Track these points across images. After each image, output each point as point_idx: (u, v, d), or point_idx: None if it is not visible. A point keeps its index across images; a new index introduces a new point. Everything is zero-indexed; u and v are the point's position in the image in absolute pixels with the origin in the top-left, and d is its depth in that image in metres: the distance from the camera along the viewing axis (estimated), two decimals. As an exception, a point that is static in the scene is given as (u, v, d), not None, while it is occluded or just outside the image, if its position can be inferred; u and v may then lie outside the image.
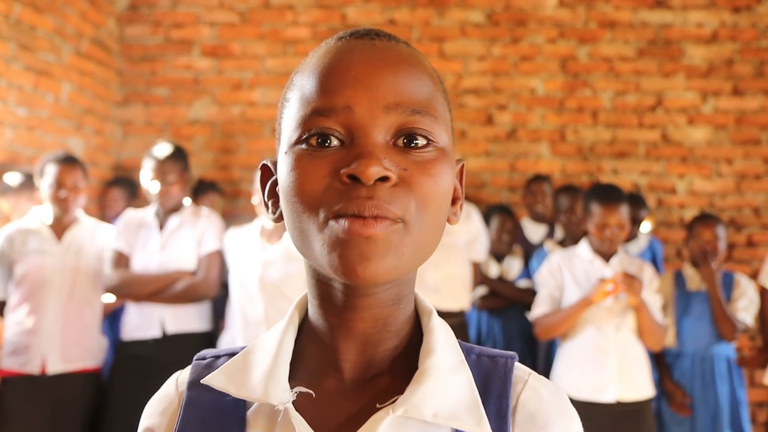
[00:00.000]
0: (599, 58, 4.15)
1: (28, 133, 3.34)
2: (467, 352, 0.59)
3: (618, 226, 2.39)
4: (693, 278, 2.84)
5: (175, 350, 2.55)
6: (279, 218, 0.58)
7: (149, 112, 4.26)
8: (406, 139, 0.53)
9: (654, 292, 2.45)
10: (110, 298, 2.74)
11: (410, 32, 4.19)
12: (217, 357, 0.62)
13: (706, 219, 2.89)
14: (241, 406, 0.57)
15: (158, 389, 0.64)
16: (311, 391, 0.55)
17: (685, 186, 4.11)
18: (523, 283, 3.20)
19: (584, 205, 2.47)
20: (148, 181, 2.64)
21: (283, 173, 0.54)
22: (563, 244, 3.15)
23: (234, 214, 4.11)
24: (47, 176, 2.56)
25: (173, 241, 2.65)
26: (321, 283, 0.57)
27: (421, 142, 0.53)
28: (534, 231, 3.59)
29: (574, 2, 4.16)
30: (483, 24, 4.19)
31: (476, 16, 4.19)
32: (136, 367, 2.54)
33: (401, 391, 0.53)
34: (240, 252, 2.65)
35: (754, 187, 4.08)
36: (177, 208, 2.70)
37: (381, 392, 0.55)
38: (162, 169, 2.61)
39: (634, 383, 2.36)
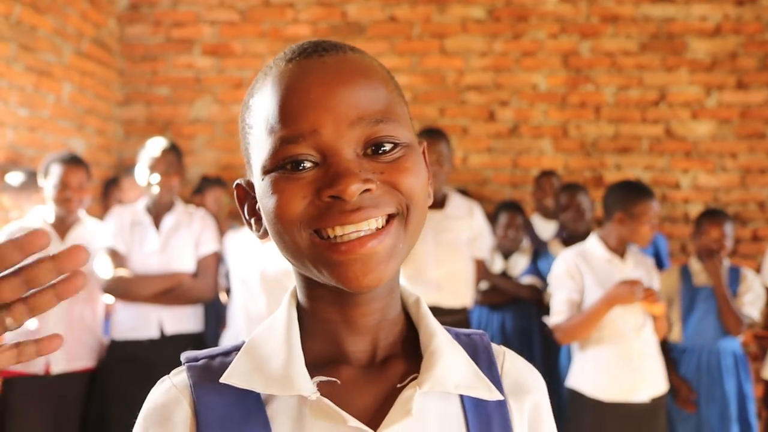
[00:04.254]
0: (601, 52, 4.13)
1: (29, 133, 3.34)
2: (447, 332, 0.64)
3: (656, 220, 2.38)
4: (699, 273, 2.82)
5: (172, 350, 2.53)
6: (264, 235, 0.60)
7: (151, 112, 4.25)
8: (374, 147, 0.55)
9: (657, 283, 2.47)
10: (111, 299, 2.73)
11: (411, 29, 4.18)
12: (211, 357, 0.61)
13: (714, 216, 2.84)
14: (260, 403, 0.57)
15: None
16: (336, 380, 0.57)
17: (689, 181, 4.09)
18: (526, 280, 3.19)
19: (617, 201, 2.40)
20: (146, 174, 2.63)
21: (262, 198, 0.56)
22: (569, 242, 3.12)
23: (237, 212, 4.12)
24: (52, 176, 2.55)
25: (172, 241, 2.63)
26: (317, 287, 0.59)
27: (388, 146, 0.55)
28: (544, 228, 3.57)
29: (575, -3, 4.14)
30: (484, 20, 4.17)
31: (477, 12, 4.17)
32: (134, 368, 2.52)
33: (413, 371, 0.58)
34: (240, 251, 2.64)
35: (758, 182, 4.06)
36: (170, 205, 2.69)
37: (395, 374, 0.59)
38: (160, 161, 2.60)
39: (659, 379, 2.37)
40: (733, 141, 4.07)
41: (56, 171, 2.54)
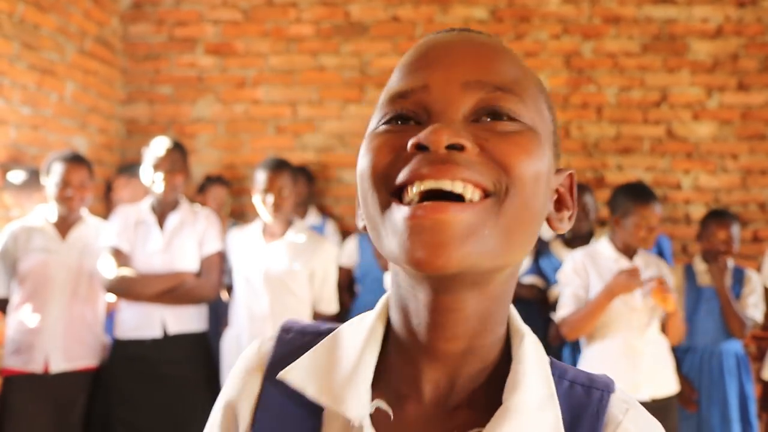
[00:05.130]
0: (603, 53, 4.14)
1: (32, 131, 3.34)
2: (559, 378, 0.54)
3: (655, 224, 2.39)
4: (703, 273, 2.82)
5: (174, 350, 2.54)
6: (364, 228, 0.54)
7: (153, 111, 4.26)
8: (488, 116, 0.48)
9: (673, 289, 2.47)
10: (113, 298, 2.73)
11: (414, 29, 4.18)
12: (303, 334, 0.58)
13: (721, 217, 2.82)
14: (319, 408, 0.53)
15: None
16: (390, 412, 0.51)
17: (690, 182, 4.10)
18: (528, 279, 3.19)
19: (618, 203, 2.44)
20: (150, 172, 2.63)
21: (359, 160, 0.50)
22: (571, 242, 3.13)
23: (240, 211, 4.12)
24: (54, 175, 2.55)
25: (176, 240, 2.63)
26: (403, 295, 0.52)
27: (505, 118, 0.48)
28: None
29: (578, -2, 4.15)
30: (487, 20, 4.18)
31: (480, 13, 4.18)
32: (137, 367, 2.52)
33: (481, 424, 0.49)
34: (243, 250, 2.64)
35: (759, 183, 4.06)
36: (174, 204, 2.69)
37: (461, 424, 0.50)
38: (164, 159, 2.60)
39: (664, 380, 2.37)
40: (734, 142, 4.08)
41: (58, 169, 2.54)
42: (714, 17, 4.09)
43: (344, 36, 4.19)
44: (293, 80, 4.19)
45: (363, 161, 0.49)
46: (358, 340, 0.53)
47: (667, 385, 2.39)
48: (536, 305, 3.14)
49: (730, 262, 2.82)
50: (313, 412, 0.53)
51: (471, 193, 0.45)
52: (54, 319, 2.50)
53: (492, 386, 0.51)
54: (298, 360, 0.54)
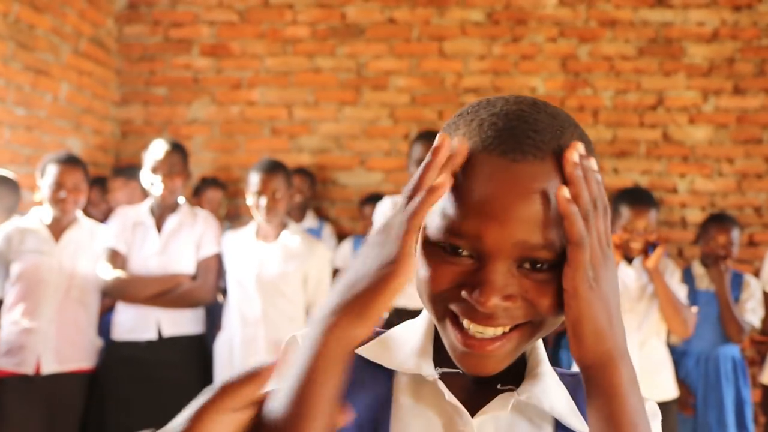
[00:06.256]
0: (600, 57, 4.14)
1: (26, 132, 3.32)
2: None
3: (645, 230, 2.39)
4: (702, 277, 2.82)
5: (169, 353, 2.52)
6: None
7: (148, 112, 4.24)
8: (527, 263, 0.58)
9: (678, 282, 2.46)
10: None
11: (410, 31, 4.18)
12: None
13: (722, 221, 2.82)
14: (387, 378, 0.66)
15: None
16: (457, 371, 0.62)
17: (686, 185, 4.10)
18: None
19: (613, 207, 2.47)
20: (150, 175, 2.62)
21: (418, 258, 0.61)
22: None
23: (235, 213, 4.11)
24: (47, 176, 2.54)
25: (173, 243, 2.62)
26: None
27: (542, 265, 0.58)
28: None
29: (574, 1, 4.14)
30: (483, 23, 4.17)
31: (476, 15, 4.18)
32: (131, 369, 2.51)
33: (514, 383, 0.64)
34: (237, 253, 2.63)
35: (755, 187, 4.07)
36: (174, 206, 2.68)
37: (498, 381, 0.64)
38: (163, 162, 2.59)
39: (657, 384, 2.36)
40: (730, 146, 4.08)
41: (52, 171, 2.53)
42: (710, 21, 4.10)
43: (340, 38, 4.18)
44: (289, 82, 4.18)
45: (423, 274, 0.60)
46: (421, 325, 0.67)
47: (662, 390, 2.38)
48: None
49: (728, 267, 2.82)
50: (382, 377, 0.66)
51: (509, 329, 0.58)
52: (47, 320, 2.49)
53: (518, 366, 0.66)
54: (368, 344, 0.67)
